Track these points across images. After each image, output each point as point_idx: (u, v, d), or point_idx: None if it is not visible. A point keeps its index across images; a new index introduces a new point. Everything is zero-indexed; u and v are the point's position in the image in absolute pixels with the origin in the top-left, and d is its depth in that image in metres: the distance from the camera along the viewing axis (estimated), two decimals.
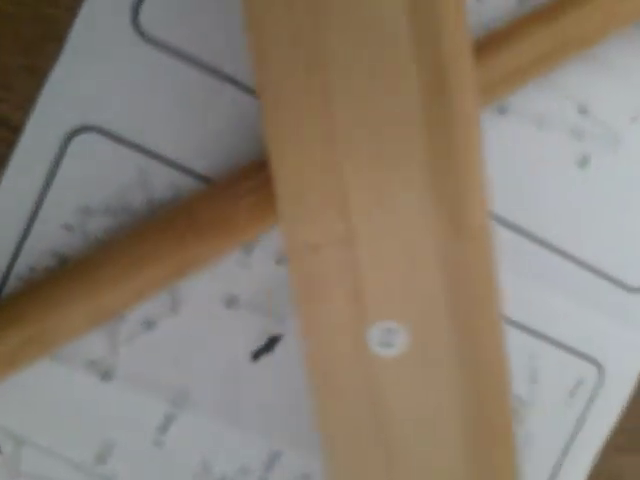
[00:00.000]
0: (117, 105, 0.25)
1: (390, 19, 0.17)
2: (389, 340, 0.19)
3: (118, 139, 0.25)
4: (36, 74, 0.24)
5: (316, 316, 0.19)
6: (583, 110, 0.27)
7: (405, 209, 0.18)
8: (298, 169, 0.19)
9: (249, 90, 0.25)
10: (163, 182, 0.25)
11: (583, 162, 0.27)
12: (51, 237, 0.25)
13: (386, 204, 0.18)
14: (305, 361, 0.20)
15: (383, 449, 0.20)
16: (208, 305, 0.26)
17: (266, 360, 0.27)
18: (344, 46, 0.17)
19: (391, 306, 0.19)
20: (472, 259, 0.19)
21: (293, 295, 0.20)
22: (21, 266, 0.25)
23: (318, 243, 0.19)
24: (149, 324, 0.26)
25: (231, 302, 0.26)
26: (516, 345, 0.27)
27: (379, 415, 0.20)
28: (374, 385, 0.19)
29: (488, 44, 0.22)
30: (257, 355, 0.27)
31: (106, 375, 0.26)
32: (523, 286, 0.27)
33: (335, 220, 0.19)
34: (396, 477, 0.20)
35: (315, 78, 0.18)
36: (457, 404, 0.19)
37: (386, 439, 0.20)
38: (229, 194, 0.24)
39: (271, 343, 0.27)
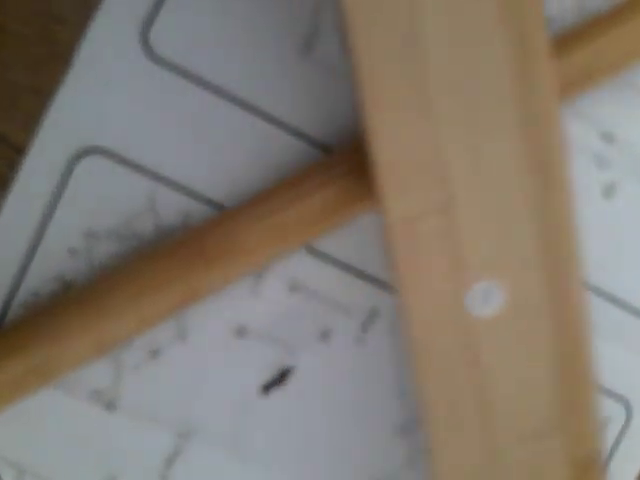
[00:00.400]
0: (125, 127, 0.24)
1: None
2: (487, 301, 0.20)
3: (126, 162, 0.24)
4: (42, 94, 0.23)
5: (417, 286, 0.20)
6: (609, 137, 0.26)
7: (498, 173, 0.19)
8: (396, 143, 0.19)
9: (262, 114, 0.24)
10: (172, 207, 0.24)
11: (608, 191, 0.25)
12: (55, 262, 0.24)
13: (481, 170, 0.19)
14: (406, 332, 0.21)
15: (480, 408, 0.21)
16: (217, 334, 0.25)
17: (277, 394, 0.26)
18: (438, 20, 0.18)
19: (488, 268, 0.20)
20: (561, 219, 0.20)
21: (392, 268, 0.20)
22: (25, 291, 0.24)
23: (418, 214, 0.19)
24: (155, 353, 0.25)
25: (241, 331, 0.25)
26: None
27: (477, 375, 0.21)
28: (473, 346, 0.20)
29: None
30: (268, 388, 0.26)
31: (110, 405, 0.25)
32: None
33: (433, 190, 0.19)
34: (493, 435, 0.21)
35: (411, 50, 0.18)
36: (550, 360, 0.21)
37: (483, 398, 0.21)
38: (240, 220, 0.23)
39: (283, 376, 0.26)
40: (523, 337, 0.20)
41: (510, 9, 0.18)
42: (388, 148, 0.19)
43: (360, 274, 0.26)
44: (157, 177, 0.24)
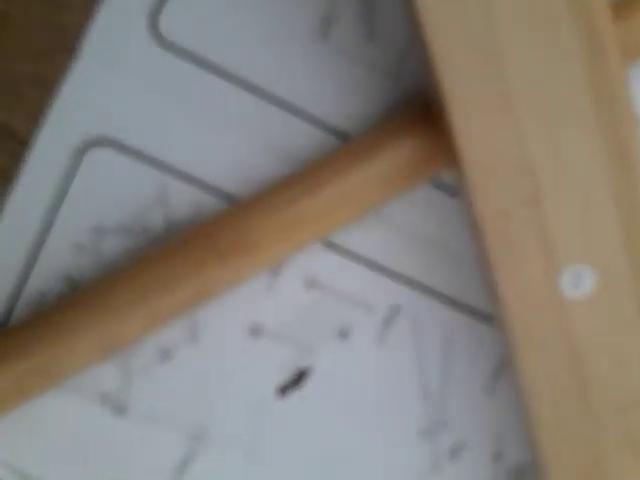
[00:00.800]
0: (134, 117, 0.23)
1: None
2: (579, 283, 0.21)
3: (135, 153, 0.23)
4: (47, 84, 0.22)
5: (512, 276, 0.21)
6: None
7: (579, 162, 0.21)
8: (482, 143, 0.20)
9: (276, 101, 0.24)
10: (183, 200, 0.23)
11: None
12: (62, 259, 0.23)
13: (563, 161, 0.21)
14: (506, 320, 0.22)
15: (578, 383, 0.22)
16: (230, 334, 0.24)
17: (294, 395, 0.25)
18: (515, 24, 0.20)
19: (577, 251, 0.21)
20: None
21: (487, 262, 0.21)
22: (30, 289, 0.23)
23: (508, 207, 0.21)
24: (166, 354, 0.24)
25: (256, 331, 0.24)
26: None
27: (574, 353, 0.22)
28: (569, 328, 0.22)
29: None
30: (284, 390, 0.25)
31: (120, 409, 0.24)
32: None
33: (522, 183, 0.20)
34: (592, 408, 0.22)
35: (488, 52, 0.20)
36: None
37: (580, 373, 0.22)
38: (254, 213, 0.22)
39: (300, 377, 0.25)
40: (614, 315, 0.22)
41: (578, 15, 0.20)
42: (476, 148, 0.20)
43: (380, 269, 0.25)
44: (167, 168, 0.23)
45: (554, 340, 0.22)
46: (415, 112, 0.23)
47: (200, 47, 0.23)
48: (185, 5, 0.23)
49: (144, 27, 0.23)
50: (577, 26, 0.20)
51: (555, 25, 0.20)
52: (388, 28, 0.24)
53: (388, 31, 0.24)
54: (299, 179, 0.22)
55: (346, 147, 0.23)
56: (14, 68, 0.23)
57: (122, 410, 0.24)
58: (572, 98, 0.20)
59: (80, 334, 0.22)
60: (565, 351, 0.22)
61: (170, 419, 0.24)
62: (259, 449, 0.25)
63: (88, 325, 0.22)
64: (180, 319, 0.24)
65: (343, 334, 0.25)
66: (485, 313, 0.25)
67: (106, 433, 0.24)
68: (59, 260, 0.23)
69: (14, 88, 0.23)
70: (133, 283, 0.22)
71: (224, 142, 0.24)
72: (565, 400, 0.22)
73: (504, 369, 0.25)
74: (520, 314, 0.21)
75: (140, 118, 0.23)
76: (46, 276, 0.23)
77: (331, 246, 0.24)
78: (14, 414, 0.23)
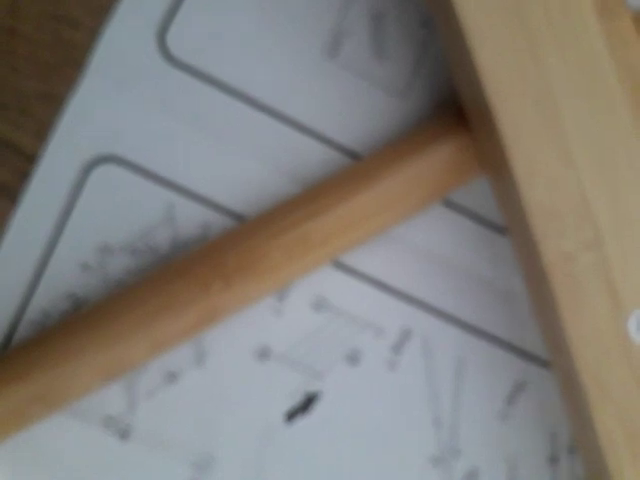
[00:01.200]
0: (141, 134, 0.23)
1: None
2: None
3: (142, 171, 0.23)
4: (54, 101, 0.22)
5: (579, 321, 0.21)
6: None
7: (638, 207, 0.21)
8: (544, 190, 0.21)
9: (284, 119, 0.23)
10: (191, 219, 0.23)
11: None
12: (67, 278, 0.23)
13: (622, 204, 0.21)
14: (572, 367, 0.21)
15: None
16: (237, 357, 0.24)
17: (302, 421, 0.24)
18: (567, 80, 0.21)
19: None
20: None
21: (551, 307, 0.21)
22: (34, 309, 0.23)
23: (572, 251, 0.21)
24: (171, 377, 0.23)
25: (263, 354, 0.24)
26: None
27: None
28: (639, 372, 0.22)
29: None
30: (292, 415, 0.24)
31: (124, 433, 0.23)
32: None
33: (584, 227, 0.21)
34: None
35: (544, 102, 0.21)
36: None
37: None
38: (260, 235, 0.22)
39: (308, 402, 0.24)
40: None
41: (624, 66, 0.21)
42: (538, 195, 0.21)
43: (391, 291, 0.24)
44: (175, 187, 0.23)
45: (625, 386, 0.21)
46: (425, 132, 0.23)
47: (208, 64, 0.23)
48: (193, 22, 0.23)
49: (152, 44, 0.23)
50: (623, 81, 0.21)
51: (603, 80, 0.21)
52: (397, 46, 0.24)
53: (397, 50, 0.24)
54: (306, 200, 0.22)
55: (355, 167, 0.23)
56: (21, 84, 0.22)
57: (127, 434, 0.23)
58: (624, 145, 0.21)
59: (82, 359, 0.21)
60: (637, 396, 0.21)
61: (175, 444, 0.23)
62: (264, 475, 0.24)
63: (90, 350, 0.21)
64: (185, 343, 0.23)
65: (353, 358, 0.24)
66: (499, 337, 0.25)
67: (110, 458, 0.23)
68: (64, 279, 0.23)
69: (21, 104, 0.22)
70: (137, 308, 0.21)
71: (232, 160, 0.23)
72: None
73: (517, 394, 0.25)
74: (588, 361, 0.21)
75: (148, 136, 0.23)
76: (51, 295, 0.23)
77: (340, 266, 0.24)
78: (16, 439, 0.22)
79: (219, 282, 0.21)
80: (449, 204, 0.24)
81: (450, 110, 0.23)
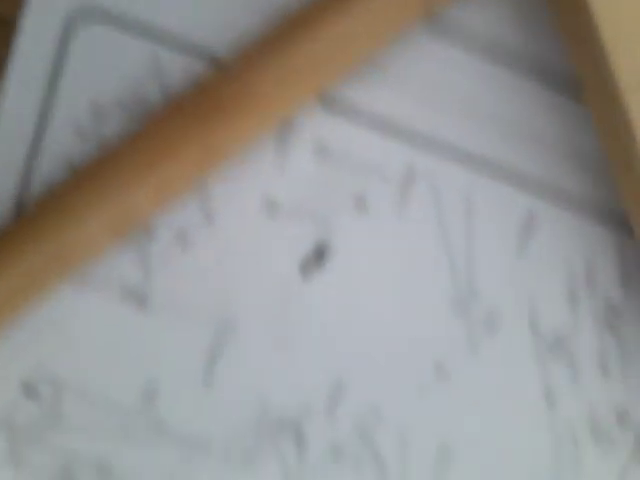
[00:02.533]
0: None
1: None
2: None
3: (124, 21, 0.23)
4: None
5: None
6: None
7: None
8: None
9: None
10: (177, 69, 0.23)
11: None
12: (64, 146, 0.23)
13: None
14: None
15: None
16: (245, 213, 0.23)
17: (318, 277, 0.24)
18: None
19: None
20: None
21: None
22: (36, 180, 0.23)
23: None
24: (183, 241, 0.23)
25: (271, 208, 0.24)
26: None
27: None
28: None
29: None
30: (306, 267, 0.24)
31: (142, 303, 0.23)
32: None
33: None
34: None
35: None
36: None
37: None
38: (253, 68, 0.21)
39: (320, 252, 0.24)
40: None
41: None
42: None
43: (392, 129, 0.24)
44: (160, 35, 0.23)
45: None
46: None
47: None
48: None
49: None
50: None
51: None
52: None
53: None
54: (289, 29, 0.22)
55: None
56: None
57: (144, 304, 0.23)
58: None
59: (90, 212, 0.21)
60: None
61: (194, 310, 0.23)
62: (288, 331, 0.24)
63: (96, 202, 0.21)
64: (193, 196, 0.23)
65: (360, 206, 0.24)
66: (507, 169, 0.24)
67: (130, 328, 0.23)
68: (62, 147, 0.23)
69: None
70: (138, 152, 0.21)
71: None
72: None
73: (530, 230, 0.25)
74: None
75: None
76: (51, 165, 0.23)
77: (337, 108, 0.24)
78: (37, 317, 0.22)
79: (216, 116, 0.21)
80: (439, 29, 0.24)
81: None
